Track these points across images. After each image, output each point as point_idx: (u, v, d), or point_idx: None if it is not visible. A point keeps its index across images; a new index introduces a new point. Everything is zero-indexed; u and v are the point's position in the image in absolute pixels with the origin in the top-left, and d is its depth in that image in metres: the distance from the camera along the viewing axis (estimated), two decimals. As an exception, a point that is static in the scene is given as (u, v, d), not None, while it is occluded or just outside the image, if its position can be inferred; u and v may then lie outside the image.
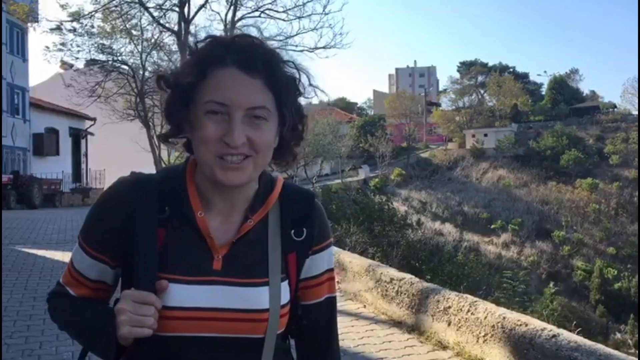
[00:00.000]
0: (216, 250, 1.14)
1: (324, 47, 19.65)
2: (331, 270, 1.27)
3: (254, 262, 1.15)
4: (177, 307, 1.09)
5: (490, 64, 74.21)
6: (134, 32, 23.19)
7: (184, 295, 1.10)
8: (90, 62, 24.15)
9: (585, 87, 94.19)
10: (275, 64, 1.12)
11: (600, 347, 3.41)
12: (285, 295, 1.17)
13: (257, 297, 1.13)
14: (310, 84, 1.18)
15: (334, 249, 7.55)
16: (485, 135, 54.02)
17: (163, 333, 1.09)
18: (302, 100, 1.19)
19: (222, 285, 1.12)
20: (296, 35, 20.33)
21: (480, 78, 69.52)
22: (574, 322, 7.01)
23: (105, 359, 1.12)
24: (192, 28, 19.97)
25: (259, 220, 1.18)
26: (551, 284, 27.48)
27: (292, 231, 1.19)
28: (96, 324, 1.13)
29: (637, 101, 58.94)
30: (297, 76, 1.15)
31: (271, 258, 1.16)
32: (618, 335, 27.35)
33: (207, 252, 1.14)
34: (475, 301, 4.57)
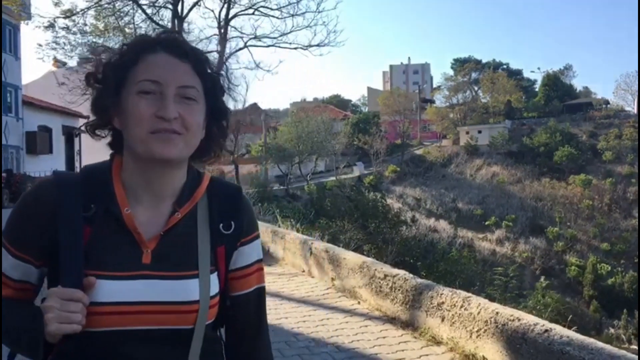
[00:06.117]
0: (144, 245, 1.15)
1: (317, 45, 19.55)
2: (260, 261, 1.29)
3: (183, 255, 1.16)
4: (106, 303, 1.09)
5: (484, 60, 74.54)
6: (127, 30, 23.09)
7: (113, 290, 1.10)
8: (84, 60, 24.02)
9: (578, 84, 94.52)
10: (201, 55, 1.19)
11: (592, 341, 3.44)
12: (214, 287, 1.18)
13: (187, 289, 1.14)
14: (229, 87, 1.25)
15: (329, 245, 7.52)
16: (479, 132, 54.15)
17: (93, 328, 1.09)
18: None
19: (152, 279, 1.12)
20: (290, 32, 20.14)
21: (473, 75, 69.71)
22: (569, 318, 7.03)
23: (33, 358, 1.09)
24: (185, 26, 19.89)
25: (186, 213, 1.19)
26: (542, 279, 27.54)
27: (221, 225, 1.21)
28: (22, 324, 1.10)
29: (630, 97, 59.24)
30: (220, 75, 1.21)
31: (200, 251, 1.18)
32: (611, 330, 27.47)
33: (135, 247, 1.14)
34: (469, 297, 4.61)
